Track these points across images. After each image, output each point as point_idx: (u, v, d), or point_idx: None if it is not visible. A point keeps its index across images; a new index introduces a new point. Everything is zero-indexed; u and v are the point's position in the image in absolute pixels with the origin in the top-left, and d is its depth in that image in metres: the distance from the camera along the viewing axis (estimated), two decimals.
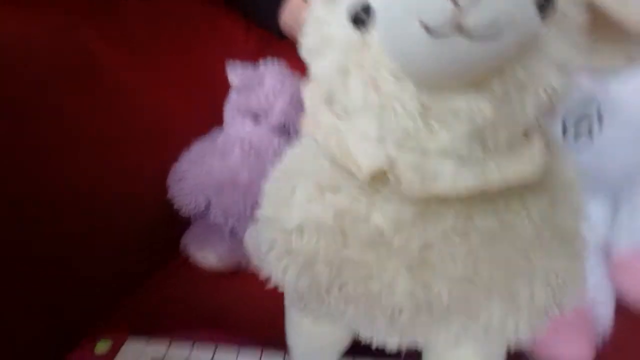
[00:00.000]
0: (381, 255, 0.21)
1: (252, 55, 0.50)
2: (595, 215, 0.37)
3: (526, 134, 0.20)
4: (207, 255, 0.43)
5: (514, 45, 0.17)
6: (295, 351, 0.30)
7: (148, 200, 0.47)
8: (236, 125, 0.47)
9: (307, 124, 0.22)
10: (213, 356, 0.30)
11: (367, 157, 0.19)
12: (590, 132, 0.32)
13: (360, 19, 0.18)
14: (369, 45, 0.19)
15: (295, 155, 0.25)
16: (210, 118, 0.51)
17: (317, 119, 0.22)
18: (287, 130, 0.46)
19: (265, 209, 0.25)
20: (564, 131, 0.33)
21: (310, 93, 0.23)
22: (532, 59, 0.18)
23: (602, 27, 0.20)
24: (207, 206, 0.48)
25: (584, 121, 0.32)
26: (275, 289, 0.43)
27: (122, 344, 0.30)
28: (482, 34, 0.15)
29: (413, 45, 0.16)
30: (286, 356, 0.30)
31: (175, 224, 0.48)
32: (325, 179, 0.22)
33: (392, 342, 0.25)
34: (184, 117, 0.51)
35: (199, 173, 0.46)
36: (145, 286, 0.43)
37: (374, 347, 0.25)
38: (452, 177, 0.19)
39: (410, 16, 0.16)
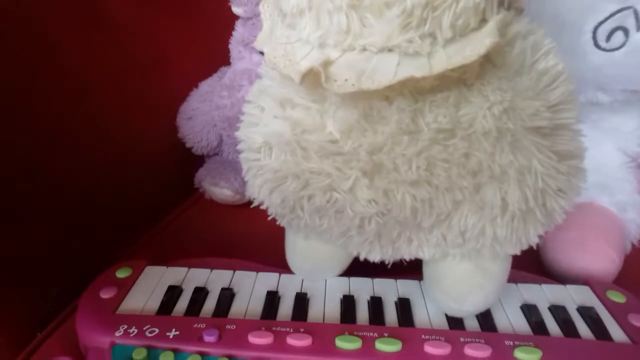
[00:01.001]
0: (338, 164, 0.21)
1: None
2: (626, 127, 0.35)
3: (484, 20, 0.18)
4: (222, 188, 0.43)
5: None
6: (293, 267, 0.31)
7: (159, 141, 0.46)
8: (243, 59, 0.45)
9: (262, 39, 0.21)
10: (231, 280, 0.30)
11: (307, 62, 0.19)
12: (626, 35, 0.29)
13: None
14: None
15: (264, 76, 0.25)
16: (217, 56, 0.50)
17: (274, 35, 0.21)
18: None
19: (241, 131, 0.25)
20: (594, 40, 0.30)
21: (268, 10, 0.22)
22: None
23: None
24: (220, 143, 0.47)
25: (618, 31, 0.29)
26: None
27: (142, 270, 0.31)
28: None
29: None
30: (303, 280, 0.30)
31: (188, 163, 0.47)
32: (283, 93, 0.22)
33: (374, 256, 0.25)
34: (188, 56, 0.49)
35: (208, 110, 0.46)
36: (162, 222, 0.43)
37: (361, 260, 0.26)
38: (392, 71, 0.18)
39: None
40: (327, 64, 0.18)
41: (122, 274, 0.30)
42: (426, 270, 0.28)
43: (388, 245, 0.24)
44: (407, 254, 0.25)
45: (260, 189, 0.25)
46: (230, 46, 0.47)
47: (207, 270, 0.31)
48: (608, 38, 0.29)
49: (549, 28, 0.30)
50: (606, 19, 0.29)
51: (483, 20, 0.18)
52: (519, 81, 0.20)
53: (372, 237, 0.24)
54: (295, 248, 0.30)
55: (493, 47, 0.17)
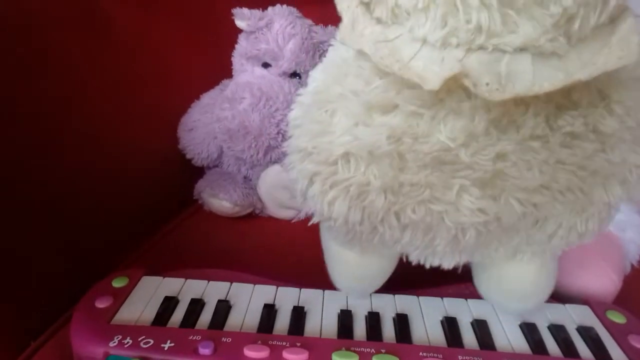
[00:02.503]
0: (445, 174, 0.19)
1: (261, 4, 0.48)
2: None
3: (612, 20, 0.17)
4: (221, 200, 0.43)
5: None
6: (339, 284, 0.29)
7: (160, 152, 0.46)
8: (245, 72, 0.46)
9: (345, 33, 0.19)
10: (228, 292, 0.30)
11: (430, 65, 0.17)
12: None
13: None
14: None
15: (327, 77, 0.22)
16: (219, 67, 0.50)
17: (356, 31, 0.19)
18: (298, 75, 0.45)
19: (299, 140, 0.23)
20: None
21: (345, 3, 0.19)
22: None
23: None
24: (220, 155, 0.47)
25: None
26: (286, 232, 0.43)
27: (139, 280, 0.30)
28: None
29: None
30: (301, 291, 0.30)
31: (188, 174, 0.48)
32: (374, 97, 0.20)
33: (448, 262, 0.24)
34: (192, 67, 0.50)
35: (209, 122, 0.46)
36: (160, 232, 0.43)
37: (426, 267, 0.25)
38: (532, 75, 0.16)
39: None
40: (464, 68, 0.16)
41: (118, 283, 0.30)
42: (484, 273, 0.28)
43: (473, 250, 0.23)
44: (480, 257, 0.24)
45: (332, 205, 0.22)
46: (232, 59, 0.48)
47: (204, 282, 0.31)
48: None
49: None
50: None
51: (611, 19, 0.17)
52: (632, 78, 0.19)
53: (464, 246, 0.22)
54: (346, 263, 0.28)
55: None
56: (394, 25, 0.18)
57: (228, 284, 0.31)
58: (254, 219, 0.45)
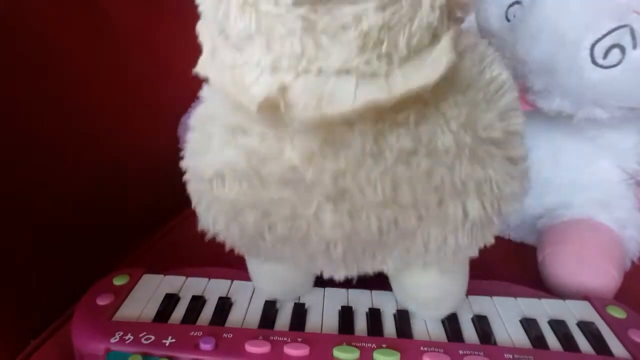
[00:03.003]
0: (300, 191, 0.20)
1: None
2: (623, 145, 0.35)
3: (435, 39, 0.18)
4: None
5: None
6: (265, 293, 0.30)
7: (160, 150, 0.46)
8: None
9: (204, 64, 0.20)
10: (229, 289, 0.30)
11: (259, 87, 0.18)
12: (622, 52, 0.30)
13: None
14: None
15: (208, 100, 0.23)
16: None
17: (217, 58, 0.20)
18: None
19: (187, 160, 0.24)
20: (592, 57, 0.30)
21: (207, 31, 0.21)
22: None
23: None
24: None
25: (614, 49, 0.30)
26: None
27: (140, 278, 0.30)
28: None
29: None
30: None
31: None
32: (233, 120, 0.21)
33: (339, 275, 0.25)
34: (193, 66, 0.50)
35: None
36: (161, 231, 0.43)
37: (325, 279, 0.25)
38: (351, 94, 0.17)
39: None
40: (283, 90, 0.17)
41: (119, 281, 0.30)
42: (394, 283, 0.28)
43: (353, 263, 0.24)
44: (371, 269, 0.25)
45: (215, 222, 0.23)
46: None
47: (205, 280, 0.31)
48: (605, 55, 0.30)
49: (548, 44, 0.31)
50: (603, 36, 0.30)
51: (435, 36, 0.18)
52: (470, 94, 0.20)
53: (337, 259, 0.23)
54: (259, 273, 0.29)
55: (450, 65, 0.17)
56: (240, 52, 0.19)
57: (229, 281, 0.31)
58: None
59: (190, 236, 0.42)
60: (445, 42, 0.17)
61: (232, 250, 0.39)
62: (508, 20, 0.36)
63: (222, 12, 0.18)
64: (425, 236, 0.22)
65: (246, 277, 0.31)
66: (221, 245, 0.40)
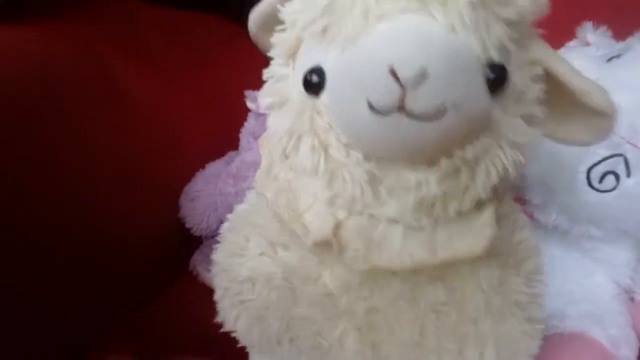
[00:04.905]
0: (330, 314, 0.21)
1: None
2: (618, 260, 0.36)
3: (479, 205, 0.19)
4: None
5: (461, 125, 0.16)
6: None
7: (160, 218, 0.46)
8: (252, 150, 0.47)
9: (261, 178, 0.22)
10: None
11: (316, 220, 0.19)
12: (617, 179, 0.31)
13: (313, 82, 0.18)
14: (320, 110, 0.18)
15: (250, 206, 0.25)
16: (226, 141, 0.52)
17: (272, 173, 0.21)
18: None
19: (219, 256, 0.25)
20: (588, 180, 0.32)
21: (268, 146, 0.22)
22: (482, 137, 0.17)
23: (564, 100, 0.19)
24: (218, 227, 0.47)
25: (610, 175, 0.31)
26: None
27: None
28: (426, 116, 0.15)
29: (358, 120, 0.16)
30: None
31: (186, 242, 0.47)
32: (276, 235, 0.22)
33: None
34: (200, 138, 0.51)
35: (212, 193, 0.46)
36: (154, 304, 0.42)
37: None
38: (399, 245, 0.19)
39: (358, 92, 0.16)
40: (337, 227, 0.19)
41: None
42: None
43: None
44: None
45: (236, 321, 0.24)
46: (240, 135, 0.49)
47: None
48: (601, 180, 0.31)
49: (547, 164, 0.33)
50: (599, 162, 0.31)
51: (479, 203, 0.19)
52: (502, 258, 0.22)
53: None
54: None
55: (492, 239, 0.19)
56: (297, 174, 0.20)
57: None
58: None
59: (184, 311, 0.42)
60: (488, 215, 0.19)
61: (223, 335, 0.39)
62: None
63: (293, 143, 0.19)
64: None
65: None
66: (214, 327, 0.40)
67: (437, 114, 0.15)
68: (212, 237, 0.48)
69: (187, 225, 0.47)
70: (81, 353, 0.31)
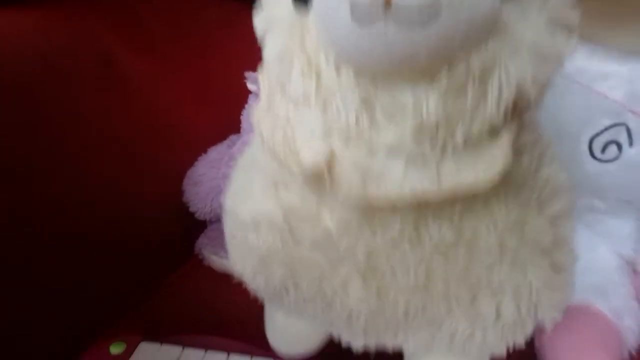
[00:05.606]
0: (331, 258, 0.20)
1: None
2: (621, 232, 0.36)
3: (494, 132, 0.16)
4: (222, 258, 0.43)
5: (459, 30, 0.14)
6: (273, 344, 0.30)
7: (164, 203, 0.47)
8: (253, 133, 0.47)
9: (259, 114, 0.19)
10: None
11: (309, 153, 0.17)
12: (619, 149, 0.31)
13: None
14: (309, 29, 0.16)
15: (255, 145, 0.23)
16: (228, 124, 0.52)
17: (271, 109, 0.19)
18: None
19: (227, 200, 0.24)
20: (590, 151, 0.32)
21: (264, 80, 0.20)
22: (491, 45, 0.15)
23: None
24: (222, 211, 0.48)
25: (612, 144, 0.31)
26: None
27: (136, 346, 0.30)
28: (413, 19, 0.13)
29: (342, 30, 0.14)
30: None
31: (190, 226, 0.48)
32: (276, 174, 0.21)
33: (357, 343, 0.24)
34: (202, 122, 0.51)
35: (215, 177, 0.47)
36: (160, 288, 0.43)
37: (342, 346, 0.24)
38: (399, 178, 0.16)
39: None
40: (331, 160, 0.17)
41: (115, 349, 0.30)
42: None
43: (373, 336, 0.23)
44: (391, 344, 0.24)
45: (243, 268, 0.24)
46: (242, 117, 0.49)
47: (202, 352, 0.31)
48: (603, 150, 0.31)
49: (548, 134, 0.33)
50: (601, 131, 0.31)
51: (494, 130, 0.16)
52: (523, 195, 0.19)
53: (357, 329, 0.23)
54: (276, 324, 0.29)
55: (507, 168, 0.16)
56: (296, 107, 0.18)
57: (225, 354, 0.30)
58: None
59: (192, 293, 0.42)
60: (504, 141, 0.16)
61: (230, 313, 0.39)
62: None
63: (285, 69, 0.18)
64: (453, 328, 0.21)
65: (242, 348, 0.31)
66: (221, 306, 0.40)
67: (429, 15, 0.13)
68: (217, 220, 0.49)
69: (191, 210, 0.47)
70: (90, 335, 0.31)
